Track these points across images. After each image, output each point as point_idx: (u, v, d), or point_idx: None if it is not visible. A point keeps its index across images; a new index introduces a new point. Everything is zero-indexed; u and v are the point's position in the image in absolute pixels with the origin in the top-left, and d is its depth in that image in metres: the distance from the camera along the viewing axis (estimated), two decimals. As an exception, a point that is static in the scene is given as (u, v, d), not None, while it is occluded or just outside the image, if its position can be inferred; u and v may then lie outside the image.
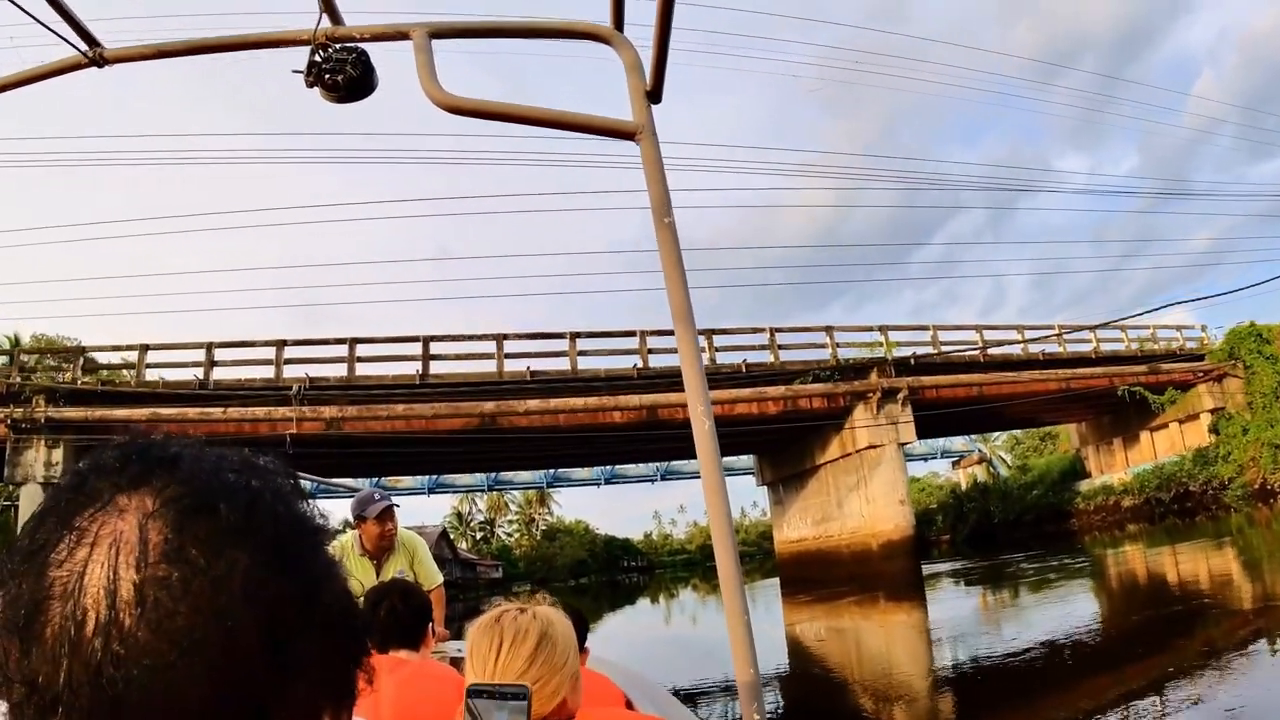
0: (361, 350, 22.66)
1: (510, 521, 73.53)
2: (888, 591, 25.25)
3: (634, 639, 22.19)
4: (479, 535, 71.42)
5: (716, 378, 24.74)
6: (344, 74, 3.27)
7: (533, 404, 21.75)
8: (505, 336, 23.11)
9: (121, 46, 3.48)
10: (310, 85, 3.30)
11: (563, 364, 23.47)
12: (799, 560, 31.80)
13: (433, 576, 4.76)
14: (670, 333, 23.33)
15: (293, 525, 0.56)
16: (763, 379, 25.06)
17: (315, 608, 0.54)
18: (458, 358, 22.84)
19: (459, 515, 70.03)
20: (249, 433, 21.12)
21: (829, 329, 26.86)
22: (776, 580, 34.78)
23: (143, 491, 0.51)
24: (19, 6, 3.05)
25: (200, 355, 22.44)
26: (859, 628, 18.45)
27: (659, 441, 27.16)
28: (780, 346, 25.92)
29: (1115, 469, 39.12)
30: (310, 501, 0.60)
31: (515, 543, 72.04)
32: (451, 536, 63.40)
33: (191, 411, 20.93)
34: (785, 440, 30.31)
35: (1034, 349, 30.48)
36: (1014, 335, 30.29)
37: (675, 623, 26.87)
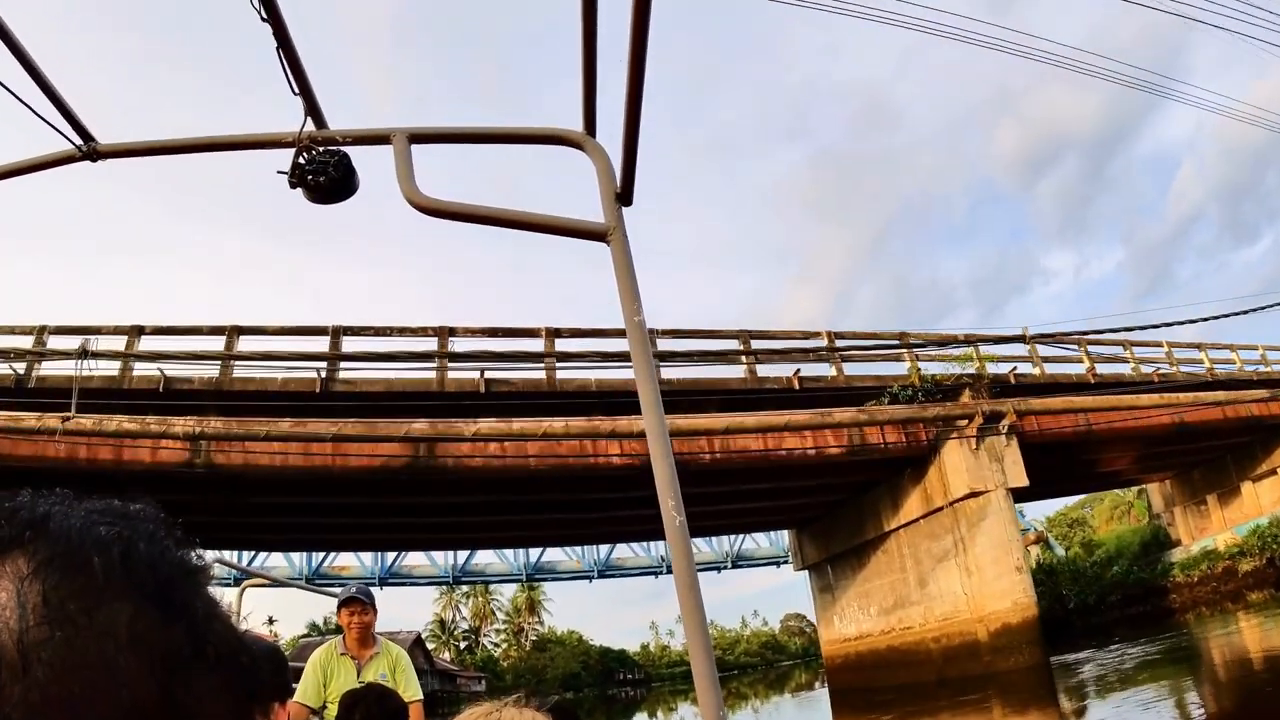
0: (246, 345, 14.11)
1: (497, 630, 63.45)
2: (1004, 697, 16.87)
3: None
4: (463, 645, 60.83)
5: (758, 396, 16.27)
6: (326, 175, 3.27)
7: (486, 425, 13.10)
8: (452, 331, 14.59)
9: (114, 143, 3.48)
10: (293, 186, 3.33)
11: (535, 374, 14.93)
12: (859, 664, 22.35)
13: (413, 690, 4.52)
14: (690, 333, 14.72)
15: (171, 570, 0.52)
16: (822, 399, 16.53)
17: (203, 648, 0.51)
18: (380, 359, 14.27)
19: (441, 623, 59.90)
20: (85, 460, 12.57)
21: (903, 336, 18.44)
22: (823, 693, 25.92)
23: (14, 555, 0.47)
24: (20, 100, 3.15)
25: (29, 342, 14.01)
26: (962, 754, 13.24)
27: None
28: (843, 358, 17.48)
29: (1211, 531, 30.36)
30: (189, 546, 0.56)
31: (503, 653, 61.82)
32: (432, 646, 53.29)
33: None
34: (836, 502, 21.44)
35: (1144, 369, 22.23)
36: (1121, 351, 21.99)
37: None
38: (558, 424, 13.52)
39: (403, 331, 14.45)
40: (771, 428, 15.03)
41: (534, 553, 34.21)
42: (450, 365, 14.29)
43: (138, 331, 14.04)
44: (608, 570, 34.91)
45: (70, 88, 3.31)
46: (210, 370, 13.84)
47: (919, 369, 17.88)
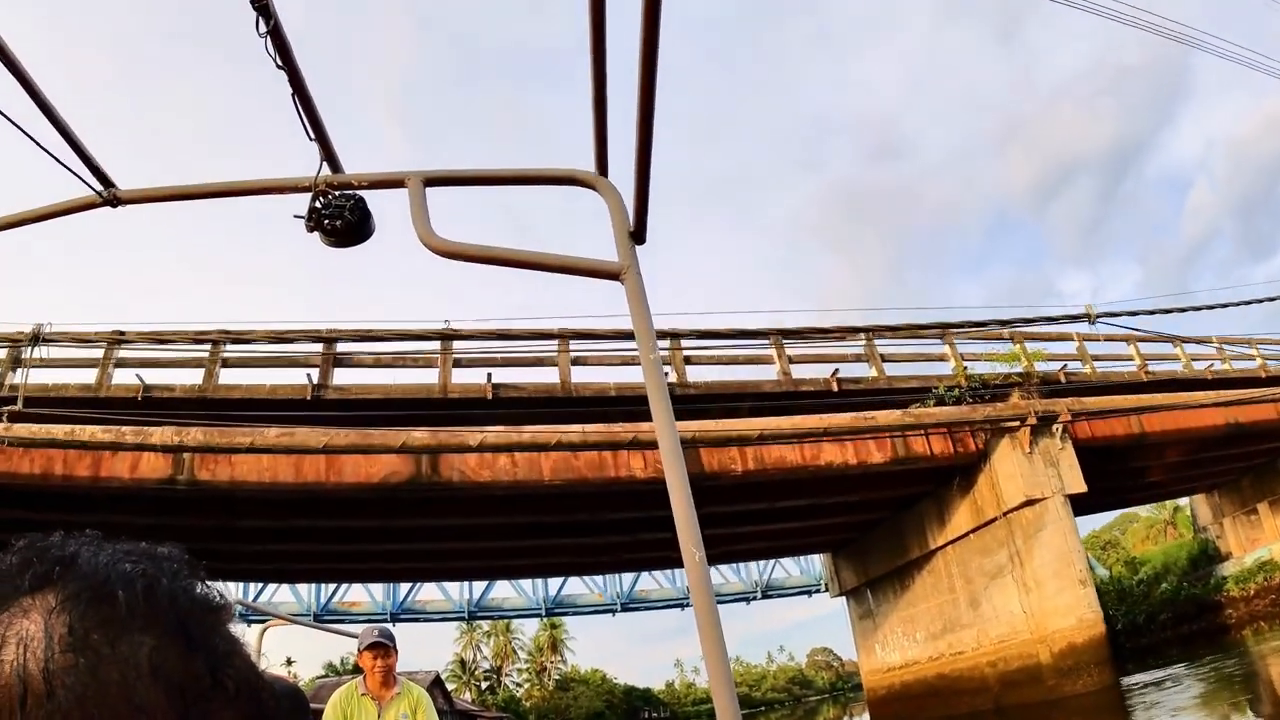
0: (232, 353, 12.71)
1: (519, 670, 60.97)
2: (1074, 728, 14.99)
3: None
4: (484, 685, 58.39)
5: (793, 399, 14.67)
6: (342, 219, 3.28)
7: (494, 433, 11.55)
8: (456, 335, 13.11)
9: (134, 188, 3.60)
10: (310, 230, 3.32)
11: (549, 377, 13.38)
12: (904, 694, 20.36)
13: None
14: (718, 333, 13.25)
15: (193, 605, 0.54)
16: (862, 402, 14.89)
17: (223, 681, 0.52)
18: (377, 363, 12.75)
19: (461, 663, 57.62)
20: (61, 476, 11.19)
21: (945, 329, 16.73)
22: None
23: (45, 591, 0.49)
24: (44, 149, 3.28)
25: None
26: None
27: (704, 523, 16.71)
28: (884, 358, 15.86)
29: (1264, 541, 28.21)
30: (210, 584, 0.57)
31: (525, 693, 59.33)
32: (453, 686, 51.03)
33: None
34: (876, 520, 19.64)
35: (1196, 366, 20.46)
36: (1171, 349, 20.26)
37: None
38: (574, 431, 11.95)
39: (402, 336, 13.00)
40: (809, 433, 13.38)
41: (553, 586, 31.99)
42: (454, 369, 12.80)
43: (118, 338, 12.68)
44: (631, 603, 32.58)
45: (89, 133, 3.32)
46: (193, 377, 12.43)
47: (965, 368, 16.24)
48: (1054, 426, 16.26)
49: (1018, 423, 15.93)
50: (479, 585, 31.22)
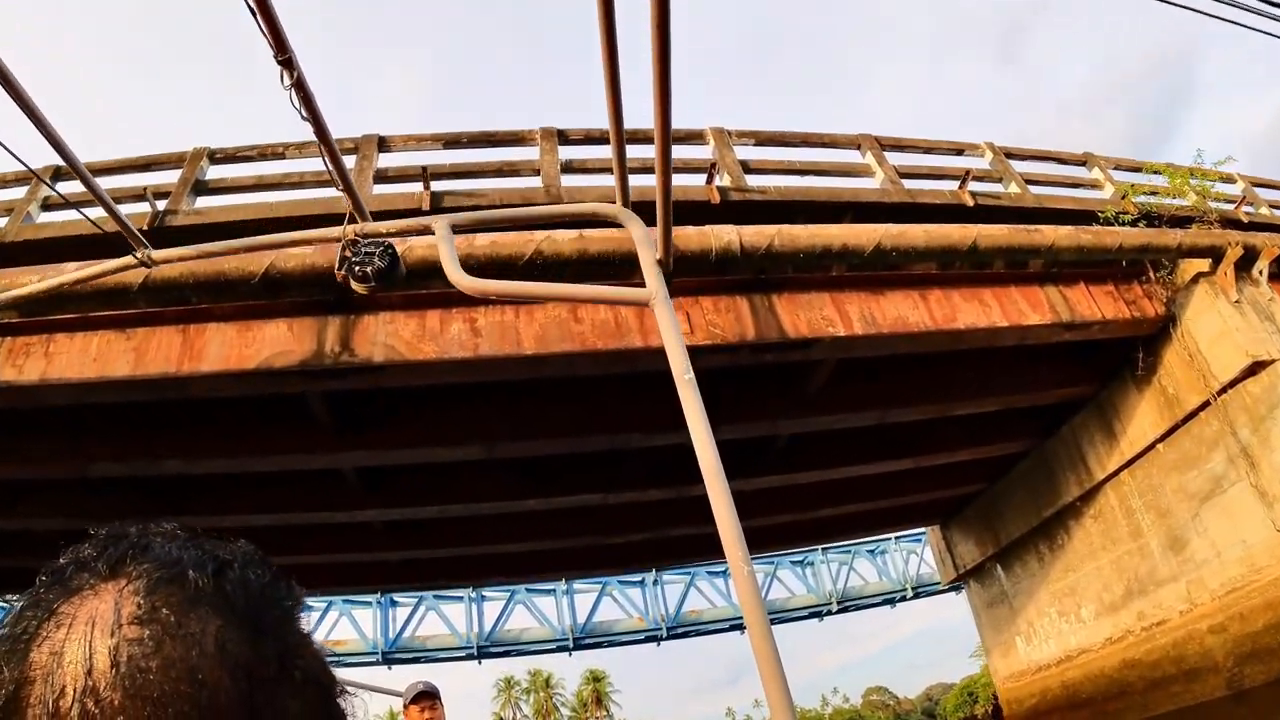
0: (65, 190, 7.89)
1: (561, 728, 54.06)
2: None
3: None
4: (523, 746, 51.61)
5: (911, 216, 9.55)
6: (373, 265, 3.44)
7: (423, 245, 6.49)
8: (384, 143, 8.20)
9: (167, 251, 3.97)
10: (343, 280, 3.50)
11: (527, 183, 8.41)
12: (1070, 699, 14.42)
13: None
14: (784, 138, 8.47)
15: (263, 593, 0.54)
16: (997, 218, 9.88)
17: (289, 672, 0.51)
18: (259, 185, 7.89)
19: (500, 720, 51.12)
20: None
21: (1089, 157, 11.77)
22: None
23: (118, 575, 0.50)
24: (85, 216, 3.98)
25: None
26: None
27: (783, 460, 11.90)
28: (1027, 180, 10.93)
29: None
30: (283, 581, 0.57)
31: (567, 752, 52.33)
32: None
33: None
34: (1007, 459, 14.19)
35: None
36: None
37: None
38: (563, 237, 6.93)
39: (302, 149, 8.18)
40: (951, 248, 8.24)
41: (581, 611, 25.89)
42: (375, 186, 7.93)
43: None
44: (678, 628, 26.33)
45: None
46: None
47: (1130, 186, 11.24)
48: (1255, 269, 11.09)
49: (1210, 261, 10.80)
50: (490, 615, 25.34)
